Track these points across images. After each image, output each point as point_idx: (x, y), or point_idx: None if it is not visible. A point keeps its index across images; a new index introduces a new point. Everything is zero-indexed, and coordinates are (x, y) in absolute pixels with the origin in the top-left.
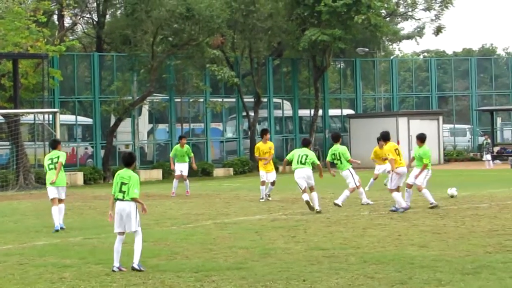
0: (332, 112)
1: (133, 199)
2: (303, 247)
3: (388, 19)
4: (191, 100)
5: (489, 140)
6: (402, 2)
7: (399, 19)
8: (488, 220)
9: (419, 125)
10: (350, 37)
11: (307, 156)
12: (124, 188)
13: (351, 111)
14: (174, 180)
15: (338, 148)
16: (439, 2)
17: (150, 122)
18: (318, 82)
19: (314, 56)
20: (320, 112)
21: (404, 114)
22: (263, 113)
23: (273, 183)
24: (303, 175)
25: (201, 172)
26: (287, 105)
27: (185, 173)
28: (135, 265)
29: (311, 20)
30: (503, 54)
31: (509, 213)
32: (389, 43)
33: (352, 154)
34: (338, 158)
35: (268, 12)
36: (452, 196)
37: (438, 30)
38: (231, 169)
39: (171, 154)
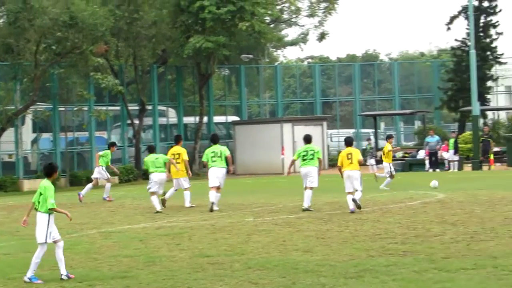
0: (217, 119)
1: (51, 210)
2: (188, 254)
3: (272, 25)
4: (75, 108)
5: (372, 145)
6: (286, 9)
7: (283, 25)
8: (371, 224)
9: (303, 131)
10: (234, 44)
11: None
12: (40, 198)
13: (236, 118)
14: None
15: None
16: (323, 8)
17: (33, 131)
18: (203, 89)
19: (198, 63)
20: (205, 119)
21: (288, 120)
22: (148, 121)
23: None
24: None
25: (85, 180)
26: (172, 112)
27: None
28: (64, 276)
29: (195, 27)
30: (386, 59)
31: (391, 217)
32: (274, 49)
33: (237, 161)
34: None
35: (152, 20)
36: (434, 188)
37: (322, 37)
38: (116, 178)
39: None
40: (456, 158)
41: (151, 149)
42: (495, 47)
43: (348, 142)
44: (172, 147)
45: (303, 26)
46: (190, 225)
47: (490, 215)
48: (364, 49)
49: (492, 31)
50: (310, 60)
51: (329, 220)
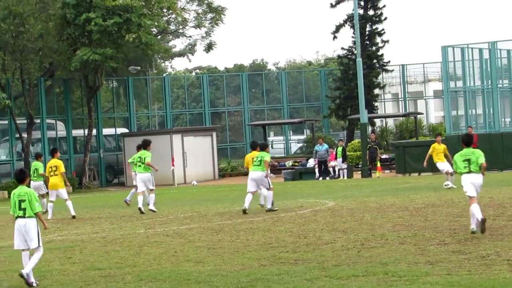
0: (106, 131)
1: (36, 214)
2: (80, 267)
3: (159, 37)
4: None
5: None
6: (172, 20)
7: (170, 36)
8: (262, 234)
9: (193, 142)
10: (121, 55)
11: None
12: (23, 205)
13: (125, 130)
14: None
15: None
16: (210, 19)
17: None
18: (91, 102)
19: (86, 75)
20: (94, 131)
21: (178, 131)
22: (36, 134)
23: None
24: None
25: None
26: (60, 125)
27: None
28: (24, 272)
29: (82, 39)
30: (274, 69)
31: (282, 226)
32: (161, 60)
33: (128, 172)
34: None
35: (39, 33)
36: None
37: (210, 47)
38: (6, 192)
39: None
40: (345, 166)
41: (38, 156)
42: (381, 55)
43: (253, 146)
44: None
45: (190, 37)
46: (81, 238)
47: (379, 222)
48: (251, 58)
49: (378, 39)
50: (198, 70)
51: (220, 230)
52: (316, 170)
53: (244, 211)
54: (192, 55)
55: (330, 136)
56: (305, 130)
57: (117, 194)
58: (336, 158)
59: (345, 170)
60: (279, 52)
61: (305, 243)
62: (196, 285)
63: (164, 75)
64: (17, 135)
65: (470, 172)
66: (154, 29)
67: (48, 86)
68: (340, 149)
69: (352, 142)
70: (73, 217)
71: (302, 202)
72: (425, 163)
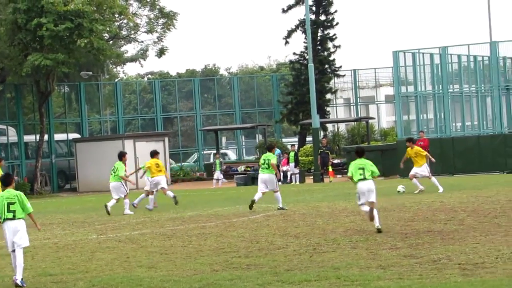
0: (58, 136)
1: (29, 215)
2: (31, 273)
3: (111, 42)
4: None
5: (220, 159)
6: (124, 25)
7: (122, 42)
8: (214, 239)
9: (145, 147)
10: (73, 61)
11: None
12: (12, 207)
13: (77, 135)
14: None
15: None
16: (161, 24)
17: None
18: (43, 107)
19: (38, 81)
20: (46, 137)
21: (130, 136)
22: None
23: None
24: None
25: None
26: (12, 131)
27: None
28: (19, 281)
29: (33, 45)
30: (226, 74)
31: (234, 231)
32: (113, 66)
33: (79, 178)
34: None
35: None
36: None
37: (161, 52)
38: None
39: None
40: (297, 171)
41: None
42: (333, 60)
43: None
44: None
45: (142, 42)
46: (33, 244)
47: (331, 227)
48: (203, 64)
49: (330, 44)
50: (150, 76)
51: (172, 235)
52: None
53: (252, 203)
54: (144, 60)
55: (282, 141)
56: (257, 135)
57: (69, 199)
58: (288, 163)
59: (297, 175)
60: (231, 57)
61: (258, 248)
62: None
63: (116, 80)
64: None
65: (365, 179)
66: (106, 34)
67: None
68: (292, 154)
69: (304, 147)
70: None
71: (254, 207)
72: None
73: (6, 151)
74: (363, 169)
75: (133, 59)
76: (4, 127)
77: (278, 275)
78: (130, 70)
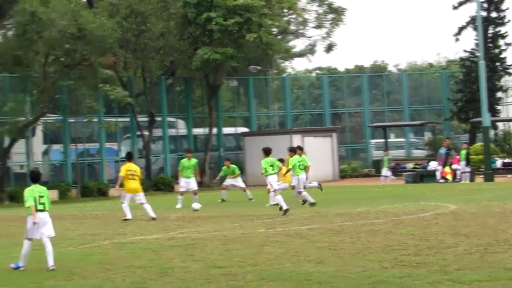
0: (227, 130)
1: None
2: (201, 265)
3: (279, 37)
4: (85, 120)
5: (389, 156)
6: (293, 20)
7: (291, 37)
8: (383, 236)
9: (313, 142)
10: (242, 55)
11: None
12: (42, 200)
13: (245, 129)
14: (179, 196)
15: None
16: (330, 20)
17: (44, 142)
18: (211, 101)
19: (207, 74)
20: (215, 130)
21: (298, 131)
22: (157, 132)
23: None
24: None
25: (96, 192)
26: (181, 124)
27: (194, 187)
28: (52, 267)
29: (203, 39)
30: (394, 70)
31: (404, 228)
32: (281, 61)
33: (248, 172)
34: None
35: (160, 32)
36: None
37: (330, 48)
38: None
39: (179, 168)
40: (468, 169)
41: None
42: (504, 58)
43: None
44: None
45: (310, 37)
46: (203, 236)
47: (503, 227)
48: (372, 60)
49: (501, 42)
50: (318, 71)
51: (341, 231)
52: (437, 172)
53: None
54: (312, 55)
55: (452, 139)
56: (425, 133)
57: (237, 193)
58: (459, 162)
59: (468, 174)
60: (400, 53)
61: (427, 246)
62: (317, 286)
63: (284, 75)
64: (138, 133)
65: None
66: (275, 29)
67: (169, 85)
68: (464, 152)
69: (474, 145)
70: (153, 218)
71: (424, 205)
72: None
73: (176, 144)
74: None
75: (301, 54)
76: (174, 119)
77: (448, 274)
78: (298, 65)
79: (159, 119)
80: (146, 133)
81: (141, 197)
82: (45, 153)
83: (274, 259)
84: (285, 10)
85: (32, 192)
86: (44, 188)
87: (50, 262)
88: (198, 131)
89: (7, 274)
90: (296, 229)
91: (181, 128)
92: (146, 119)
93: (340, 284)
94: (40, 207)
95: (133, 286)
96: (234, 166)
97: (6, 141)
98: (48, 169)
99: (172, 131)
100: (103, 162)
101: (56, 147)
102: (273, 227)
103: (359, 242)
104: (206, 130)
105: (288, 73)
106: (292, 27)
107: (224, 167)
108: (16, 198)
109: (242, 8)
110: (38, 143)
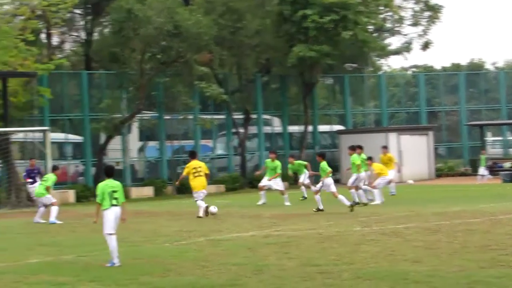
0: (322, 128)
1: (123, 203)
2: (296, 263)
3: (375, 34)
4: (180, 117)
5: (486, 155)
6: (389, 18)
7: (387, 34)
8: (481, 235)
9: (409, 141)
10: (338, 53)
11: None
12: (115, 195)
13: (341, 127)
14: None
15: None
16: (426, 17)
17: (140, 139)
18: (307, 98)
19: (302, 72)
20: (310, 128)
21: (394, 129)
22: (252, 129)
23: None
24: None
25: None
26: (276, 121)
27: (279, 187)
28: (113, 264)
29: (298, 36)
30: (492, 68)
31: (501, 228)
32: (377, 58)
33: (343, 170)
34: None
35: (256, 29)
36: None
37: (426, 45)
38: (222, 186)
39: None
40: None
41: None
42: None
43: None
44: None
45: (406, 35)
46: (298, 234)
47: None
48: (468, 57)
49: None
50: (414, 69)
51: (437, 230)
52: None
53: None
54: (408, 53)
55: None
56: None
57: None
58: None
59: None
60: (497, 51)
61: None
62: (414, 285)
63: (380, 73)
64: (234, 130)
65: None
66: (371, 27)
67: (264, 82)
68: None
69: None
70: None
71: None
72: None
73: (271, 141)
74: None
75: (397, 52)
76: (269, 117)
77: None
78: (393, 62)
79: (254, 116)
80: (241, 130)
81: (203, 194)
82: (141, 149)
83: (370, 257)
84: (381, 8)
85: (105, 187)
86: (118, 183)
87: (116, 258)
88: (293, 128)
89: (103, 270)
90: (392, 227)
91: (277, 125)
92: (241, 116)
93: (437, 283)
94: (114, 202)
95: (228, 283)
96: (300, 162)
97: (102, 137)
98: (143, 166)
99: (267, 129)
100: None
101: (152, 144)
102: (369, 226)
103: (456, 242)
104: (301, 128)
105: (384, 71)
106: (388, 25)
107: (289, 165)
108: None
109: (338, 6)
110: (134, 140)
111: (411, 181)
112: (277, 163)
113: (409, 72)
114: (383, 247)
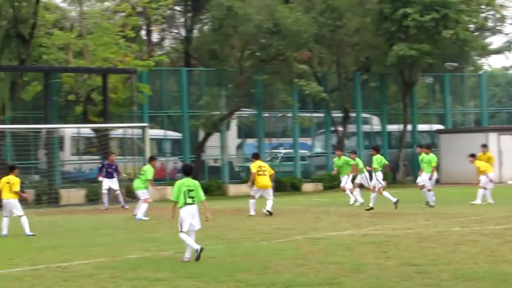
0: (421, 127)
1: (202, 202)
2: (395, 262)
3: (476, 33)
4: (279, 115)
5: None
6: (491, 17)
7: (488, 33)
8: None
9: (509, 141)
10: (438, 52)
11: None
12: (191, 194)
13: (440, 126)
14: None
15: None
16: None
17: (238, 136)
18: (406, 97)
19: (402, 71)
20: (409, 127)
21: (494, 129)
22: (351, 128)
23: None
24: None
25: (290, 186)
26: (375, 120)
27: (347, 185)
28: (188, 259)
29: (398, 35)
30: None
31: None
32: (478, 57)
33: (443, 169)
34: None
35: (355, 27)
36: None
37: None
38: (320, 184)
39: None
40: None
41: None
42: None
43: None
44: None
45: (508, 34)
46: (396, 233)
47: None
48: None
49: None
50: None
51: None
52: None
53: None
54: (510, 52)
55: None
56: None
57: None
58: None
59: None
60: None
61: None
62: None
63: (481, 72)
64: (332, 128)
65: None
66: (472, 26)
67: (363, 80)
68: None
69: None
70: (269, 213)
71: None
72: None
73: (369, 140)
74: None
75: (498, 51)
76: (368, 116)
77: None
78: (494, 62)
79: (353, 115)
80: (340, 128)
81: (269, 193)
82: (239, 147)
83: (469, 258)
84: (483, 7)
85: (181, 186)
86: (195, 182)
87: (187, 254)
88: (392, 127)
89: (201, 266)
90: (491, 228)
91: (375, 124)
92: (340, 114)
93: None
94: (189, 200)
95: (326, 282)
96: (346, 158)
97: (201, 134)
98: (242, 163)
99: (366, 127)
100: (297, 157)
101: (250, 141)
102: (468, 226)
103: None
104: (400, 126)
105: (485, 70)
106: (490, 24)
107: (335, 159)
108: (210, 191)
109: (439, 4)
110: (232, 137)
111: (511, 182)
112: (343, 159)
113: (510, 72)
114: (483, 248)
